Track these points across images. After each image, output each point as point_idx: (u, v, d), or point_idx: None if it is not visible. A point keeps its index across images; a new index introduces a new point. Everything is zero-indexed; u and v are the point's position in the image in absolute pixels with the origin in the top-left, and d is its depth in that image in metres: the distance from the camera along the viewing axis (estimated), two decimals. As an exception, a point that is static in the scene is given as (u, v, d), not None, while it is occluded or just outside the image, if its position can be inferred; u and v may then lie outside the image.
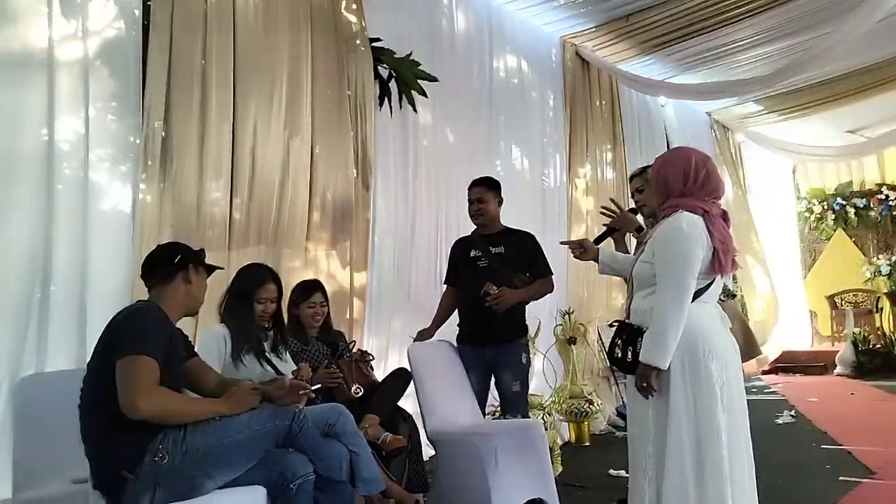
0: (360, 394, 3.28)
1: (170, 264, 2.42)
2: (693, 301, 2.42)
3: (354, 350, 3.48)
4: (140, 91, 3.24)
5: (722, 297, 2.74)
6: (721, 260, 2.45)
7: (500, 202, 3.92)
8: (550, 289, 3.93)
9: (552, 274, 3.90)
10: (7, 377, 2.71)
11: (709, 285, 2.49)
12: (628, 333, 2.51)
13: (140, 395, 2.09)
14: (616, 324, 2.66)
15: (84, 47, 3.06)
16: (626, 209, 3.60)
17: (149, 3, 3.30)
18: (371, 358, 3.50)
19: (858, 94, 8.23)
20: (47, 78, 2.93)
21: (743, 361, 2.75)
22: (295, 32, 3.98)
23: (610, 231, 3.53)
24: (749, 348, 3.35)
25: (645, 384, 2.40)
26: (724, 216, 2.56)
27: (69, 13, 3.02)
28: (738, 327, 3.09)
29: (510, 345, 3.75)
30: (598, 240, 3.70)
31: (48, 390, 2.53)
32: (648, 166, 2.90)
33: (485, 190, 3.85)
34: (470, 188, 3.90)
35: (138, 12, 3.26)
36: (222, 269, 2.78)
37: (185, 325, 2.60)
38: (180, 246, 2.54)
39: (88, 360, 2.30)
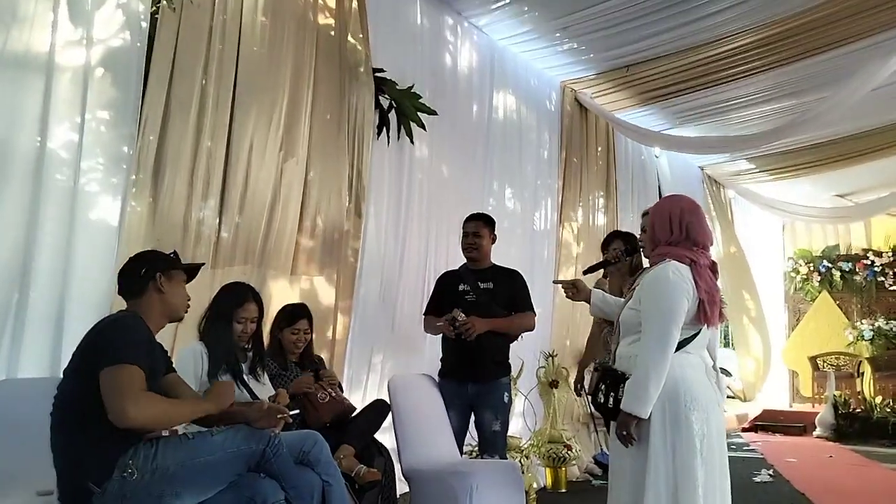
0: (326, 399, 3.22)
1: (137, 277, 2.36)
2: (677, 351, 2.42)
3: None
4: (139, 103, 3.22)
5: None
6: (707, 310, 2.45)
7: (494, 239, 3.94)
8: (530, 325, 3.89)
9: (533, 311, 3.87)
10: (-23, 381, 2.63)
11: (694, 335, 2.49)
12: (612, 379, 2.49)
13: (129, 403, 2.05)
14: (599, 367, 2.64)
15: (87, 55, 3.04)
16: (599, 260, 3.66)
17: (156, 15, 3.30)
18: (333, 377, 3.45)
19: (849, 159, 8.34)
20: (45, 82, 2.90)
21: None
22: (299, 56, 4.00)
23: (600, 265, 3.54)
24: None
25: (625, 432, 2.38)
26: (713, 267, 2.57)
27: (76, 19, 3.01)
28: None
29: (493, 383, 3.72)
30: (589, 270, 3.71)
31: (19, 397, 2.47)
32: None
33: (482, 225, 3.87)
34: (467, 221, 3.92)
35: (145, 24, 3.26)
36: (203, 264, 2.70)
37: (162, 339, 2.55)
38: (146, 256, 2.47)
39: (65, 367, 2.24)
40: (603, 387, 2.50)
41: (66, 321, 2.90)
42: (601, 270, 3.88)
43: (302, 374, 3.36)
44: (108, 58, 3.14)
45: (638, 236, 3.45)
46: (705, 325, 2.50)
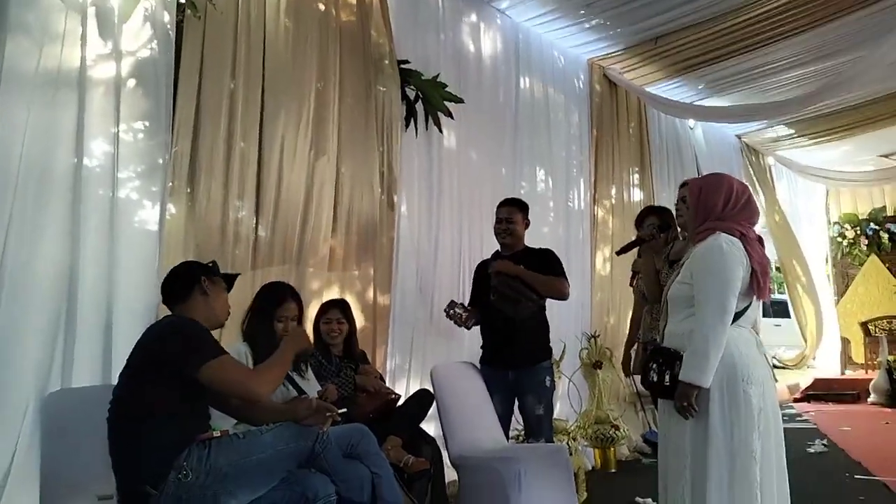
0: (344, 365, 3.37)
1: (184, 281, 2.44)
2: (731, 325, 2.39)
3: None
4: (170, 112, 3.26)
5: None
6: (759, 281, 2.44)
7: (527, 225, 3.91)
8: (560, 289, 3.73)
9: (565, 279, 3.77)
10: (34, 392, 2.71)
11: (746, 309, 2.47)
12: (665, 357, 2.47)
13: (252, 384, 2.24)
14: (648, 346, 2.62)
15: (117, 67, 3.09)
16: (632, 239, 3.61)
17: (182, 24, 3.34)
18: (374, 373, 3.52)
19: (892, 118, 8.09)
20: (79, 97, 2.96)
21: None
22: (324, 53, 4.02)
23: (634, 243, 3.49)
24: None
25: (685, 403, 2.36)
26: (760, 241, 2.55)
27: (105, 33, 3.06)
28: None
29: (534, 367, 3.71)
30: (622, 251, 3.66)
31: (75, 405, 2.54)
32: None
33: (515, 210, 3.85)
34: (500, 206, 3.90)
35: (172, 34, 3.30)
36: (239, 274, 2.75)
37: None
38: (191, 263, 2.59)
39: (120, 373, 2.30)
40: (654, 366, 2.48)
41: (115, 328, 2.96)
42: (635, 249, 3.83)
43: (345, 368, 3.41)
44: (137, 69, 3.19)
45: (674, 209, 3.39)
46: (755, 298, 2.48)
